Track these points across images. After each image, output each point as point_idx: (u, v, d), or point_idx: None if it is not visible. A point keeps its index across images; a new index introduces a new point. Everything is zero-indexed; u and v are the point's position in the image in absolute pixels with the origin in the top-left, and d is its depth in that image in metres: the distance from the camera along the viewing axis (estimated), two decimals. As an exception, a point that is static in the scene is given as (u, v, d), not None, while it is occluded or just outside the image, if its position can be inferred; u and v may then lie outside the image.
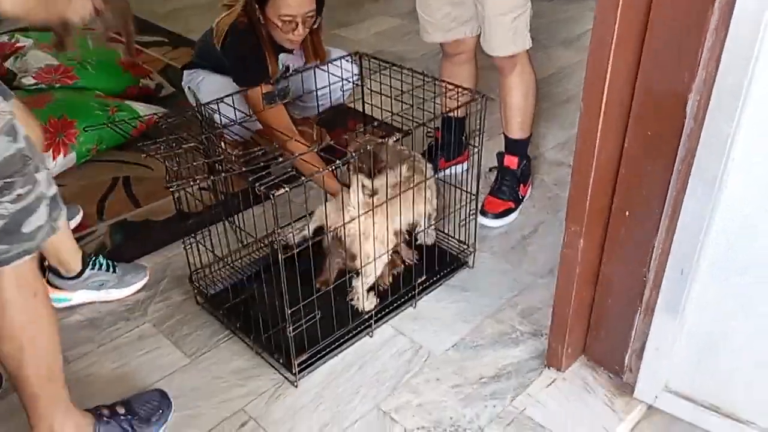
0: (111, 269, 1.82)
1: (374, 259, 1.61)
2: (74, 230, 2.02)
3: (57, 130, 2.34)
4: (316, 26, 2.17)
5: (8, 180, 0.99)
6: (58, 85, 2.62)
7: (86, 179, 2.35)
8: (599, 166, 1.28)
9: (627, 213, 1.35)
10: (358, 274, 1.65)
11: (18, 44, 2.83)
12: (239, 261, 1.82)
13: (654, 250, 1.34)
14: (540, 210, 2.16)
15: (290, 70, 2.31)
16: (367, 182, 1.60)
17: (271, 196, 1.29)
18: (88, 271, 1.78)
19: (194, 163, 1.41)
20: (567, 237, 1.39)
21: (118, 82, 2.79)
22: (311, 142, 2.57)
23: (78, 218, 2.10)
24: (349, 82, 2.03)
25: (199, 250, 1.71)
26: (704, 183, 1.20)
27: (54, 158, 2.30)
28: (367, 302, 1.68)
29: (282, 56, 2.26)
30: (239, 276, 1.80)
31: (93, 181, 2.35)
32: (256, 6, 2.06)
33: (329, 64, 1.89)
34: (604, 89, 1.19)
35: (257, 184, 1.29)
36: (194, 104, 2.24)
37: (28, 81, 2.59)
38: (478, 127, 1.72)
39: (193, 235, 1.68)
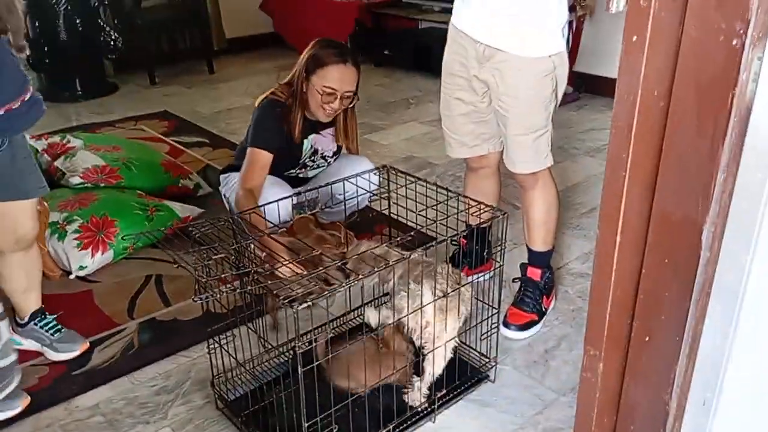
0: (51, 331, 1.98)
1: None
2: (102, 329, 2.08)
3: (98, 229, 2.45)
4: (351, 105, 2.31)
5: None
6: (102, 185, 2.76)
7: (120, 276, 2.44)
8: (617, 290, 1.29)
9: (647, 338, 1.34)
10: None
11: (69, 145, 3.01)
12: (261, 366, 1.84)
13: (675, 378, 1.32)
14: (563, 323, 2.15)
15: (318, 153, 2.40)
16: (441, 283, 1.65)
17: (294, 310, 1.32)
18: (31, 324, 1.98)
19: (223, 275, 1.46)
20: (586, 360, 1.38)
21: (158, 181, 2.93)
22: (339, 246, 2.64)
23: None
24: (374, 194, 2.10)
25: (222, 354, 1.73)
26: (723, 312, 1.19)
27: (93, 255, 2.40)
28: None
29: (312, 137, 2.35)
30: (261, 381, 1.81)
31: (126, 278, 2.42)
32: (305, 74, 2.21)
33: (358, 177, 1.97)
34: (619, 218, 1.22)
35: (280, 298, 1.33)
36: (229, 210, 2.34)
37: (75, 180, 2.73)
38: (498, 240, 1.76)
39: (216, 339, 1.71)
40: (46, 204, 2.37)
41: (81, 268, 2.38)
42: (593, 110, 4.13)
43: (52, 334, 1.99)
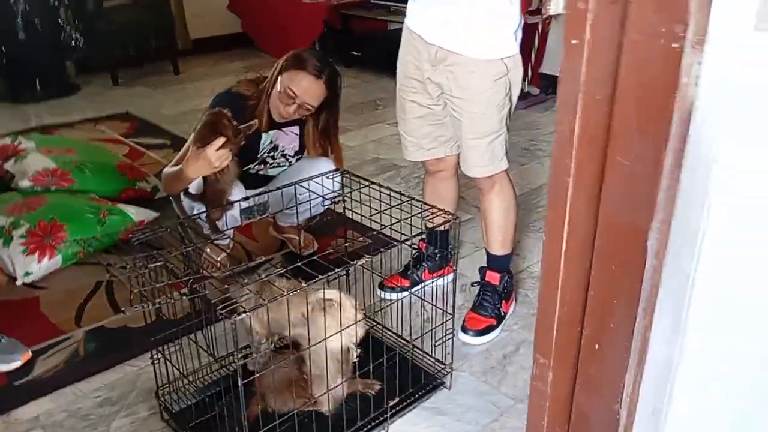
0: None
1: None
2: (47, 337, 2.00)
3: (45, 234, 2.37)
4: (321, 124, 2.28)
5: None
6: (53, 188, 2.68)
7: (69, 282, 2.35)
8: (564, 298, 1.26)
9: (597, 347, 1.31)
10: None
11: (20, 147, 2.91)
12: (208, 376, 1.78)
13: (625, 387, 1.29)
14: (523, 328, 2.12)
15: (278, 150, 2.35)
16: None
17: (233, 322, 1.27)
18: None
19: (156, 285, 1.40)
20: (536, 369, 1.35)
21: (114, 184, 2.85)
22: (298, 249, 2.59)
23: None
24: (329, 200, 2.06)
25: (167, 365, 1.67)
26: (670, 320, 1.17)
27: (39, 261, 2.32)
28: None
29: (273, 133, 2.30)
30: (207, 392, 1.76)
31: (76, 284, 2.34)
32: (280, 69, 2.19)
33: (310, 182, 1.92)
34: (564, 224, 1.19)
35: (219, 308, 1.28)
36: (178, 213, 2.27)
37: (25, 184, 2.65)
38: (451, 243, 1.72)
39: (160, 349, 1.65)
40: (-10, 208, 2.28)
41: (27, 274, 2.30)
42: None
43: None
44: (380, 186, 1.83)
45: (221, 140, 1.97)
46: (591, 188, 1.22)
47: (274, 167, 2.40)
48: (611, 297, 1.29)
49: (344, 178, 1.99)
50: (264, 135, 2.29)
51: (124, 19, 5.02)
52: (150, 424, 1.74)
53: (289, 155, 2.40)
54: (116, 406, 1.80)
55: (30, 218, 2.41)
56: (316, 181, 1.93)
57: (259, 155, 2.33)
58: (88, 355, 1.99)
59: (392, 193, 1.80)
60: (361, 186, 1.86)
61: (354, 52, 5.23)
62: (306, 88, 2.16)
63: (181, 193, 2.16)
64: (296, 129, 2.36)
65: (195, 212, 2.06)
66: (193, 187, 2.12)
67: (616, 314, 1.29)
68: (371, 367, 1.68)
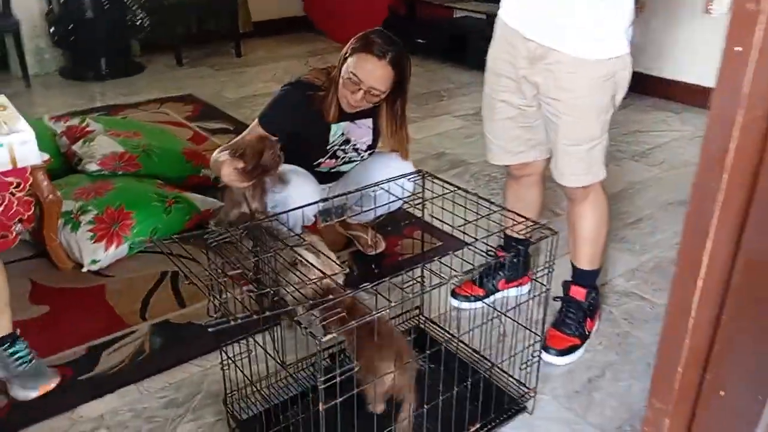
0: (18, 362, 1.74)
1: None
2: (112, 329, 1.96)
3: (113, 221, 2.33)
4: (395, 112, 2.15)
5: None
6: (120, 173, 2.64)
7: (134, 272, 2.31)
8: (692, 339, 1.12)
9: (722, 393, 1.17)
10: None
11: (88, 128, 2.89)
12: (278, 383, 1.70)
13: (753, 440, 1.15)
14: (608, 348, 1.98)
15: (350, 144, 2.24)
16: None
17: (318, 342, 1.17)
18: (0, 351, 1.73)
19: (239, 297, 1.31)
20: (650, 414, 1.21)
21: (179, 170, 2.80)
22: (366, 248, 2.49)
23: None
24: (407, 202, 1.93)
25: (236, 370, 1.59)
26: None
27: (106, 249, 2.28)
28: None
29: (344, 125, 2.20)
30: (276, 400, 1.67)
31: (141, 274, 2.30)
32: (347, 54, 2.07)
33: (391, 183, 1.79)
34: (703, 259, 1.05)
35: (301, 326, 1.18)
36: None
37: (92, 167, 2.61)
38: (546, 260, 1.59)
39: (227, 351, 1.56)
40: (58, 193, 2.24)
41: (93, 262, 2.26)
42: (639, 111, 3.91)
43: (17, 366, 1.73)
44: (466, 191, 1.70)
45: (235, 166, 1.94)
46: (737, 219, 1.07)
47: (346, 162, 2.30)
48: (744, 340, 1.14)
49: (423, 180, 1.86)
50: (334, 126, 2.19)
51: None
52: (216, 431, 1.67)
53: (361, 149, 2.28)
54: (182, 408, 1.74)
55: (98, 204, 2.37)
56: (395, 183, 1.81)
57: (329, 147, 2.22)
58: (153, 351, 1.94)
59: (480, 201, 1.67)
60: (445, 192, 1.72)
61: (418, 40, 5.07)
62: (369, 71, 2.02)
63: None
64: (369, 122, 2.24)
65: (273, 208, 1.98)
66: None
67: (747, 359, 1.14)
68: (450, 389, 1.57)
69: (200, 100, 4.13)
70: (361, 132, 2.25)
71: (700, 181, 1.04)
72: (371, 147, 2.30)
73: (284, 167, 2.16)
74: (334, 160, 2.26)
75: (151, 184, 2.59)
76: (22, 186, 2.08)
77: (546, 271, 1.57)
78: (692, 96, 3.93)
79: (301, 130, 2.15)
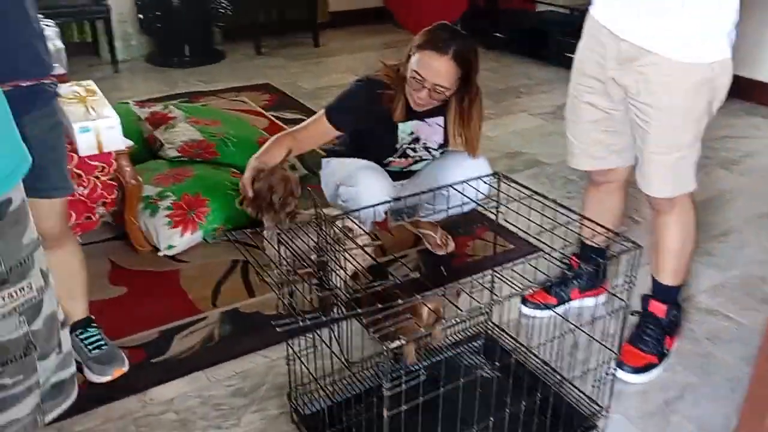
0: (91, 346, 1.79)
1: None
2: (185, 314, 2.01)
3: (189, 207, 2.39)
4: (463, 108, 2.09)
5: None
6: (198, 160, 2.70)
7: (207, 258, 2.36)
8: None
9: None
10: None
11: (170, 115, 2.97)
12: (341, 381, 1.69)
13: None
14: (687, 369, 1.87)
15: (420, 142, 2.20)
16: None
17: (385, 348, 1.15)
18: (73, 335, 1.76)
19: (308, 297, 1.31)
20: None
21: (254, 160, 2.83)
22: (434, 246, 2.45)
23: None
24: (480, 203, 1.85)
25: (301, 367, 1.60)
26: None
27: (182, 235, 2.34)
28: None
29: (412, 124, 2.16)
30: (340, 397, 1.67)
31: (212, 261, 2.35)
32: (411, 51, 2.04)
33: (464, 184, 1.74)
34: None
35: (371, 330, 1.16)
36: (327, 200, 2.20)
37: (172, 153, 2.69)
38: (626, 274, 1.50)
39: (296, 353, 1.57)
40: (140, 178, 2.31)
41: (169, 247, 2.32)
42: (729, 115, 3.68)
43: (90, 351, 1.79)
44: (544, 197, 1.63)
45: (245, 193, 1.98)
46: None
47: (417, 162, 2.26)
48: None
49: (499, 182, 1.80)
50: (402, 125, 2.15)
51: (269, -12, 5.07)
52: (279, 424, 1.68)
53: (432, 148, 2.24)
54: (247, 398, 1.76)
55: (176, 190, 2.44)
56: (469, 184, 1.76)
57: (398, 147, 2.19)
58: (222, 339, 1.97)
59: (558, 207, 1.60)
60: (521, 197, 1.66)
61: (497, 34, 4.96)
62: (431, 68, 1.97)
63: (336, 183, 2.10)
64: (440, 120, 2.19)
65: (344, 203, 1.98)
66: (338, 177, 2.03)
67: None
68: (517, 402, 1.52)
69: (277, 90, 4.19)
70: (432, 131, 2.20)
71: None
72: (443, 146, 2.25)
73: (357, 162, 2.15)
74: (404, 160, 2.23)
75: (226, 173, 2.64)
76: (106, 170, 2.16)
77: (626, 286, 1.49)
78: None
79: (368, 128, 2.13)
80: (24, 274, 0.85)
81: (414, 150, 2.22)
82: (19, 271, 0.84)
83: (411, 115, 2.14)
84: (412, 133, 2.18)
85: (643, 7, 1.56)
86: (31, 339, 0.89)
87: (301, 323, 1.26)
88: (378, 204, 1.69)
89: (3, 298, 0.82)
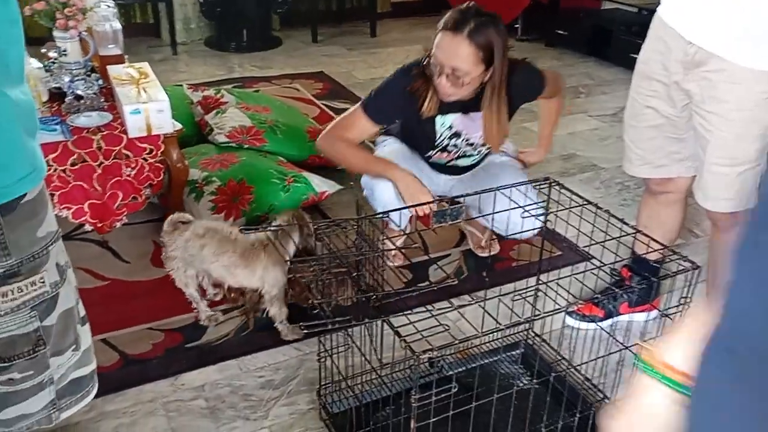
0: None
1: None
2: (222, 300, 2.01)
3: (234, 194, 2.38)
4: (489, 98, 1.94)
5: (4, 364, 0.85)
6: (246, 146, 2.70)
7: (249, 246, 2.36)
8: None
9: None
10: None
11: (222, 99, 2.98)
12: (371, 381, 1.66)
13: None
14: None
15: (461, 137, 2.09)
16: None
17: (415, 357, 1.10)
18: None
19: (341, 298, 1.27)
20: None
21: (301, 150, 2.81)
22: (477, 247, 2.38)
23: None
24: (532, 215, 1.62)
25: (332, 363, 1.57)
26: None
27: (225, 220, 2.34)
28: None
29: (450, 117, 2.03)
30: (369, 398, 1.64)
31: (254, 249, 2.34)
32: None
33: (512, 190, 1.65)
34: None
35: (401, 338, 1.12)
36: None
37: (221, 138, 2.69)
38: (682, 295, 1.41)
39: (328, 350, 1.54)
40: (186, 162, 2.32)
41: (212, 232, 2.33)
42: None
43: None
44: (597, 207, 1.55)
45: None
46: None
47: (462, 157, 2.17)
48: None
49: (550, 189, 1.72)
50: (439, 118, 2.02)
51: (330, -23, 5.05)
52: (308, 420, 1.66)
53: (477, 143, 2.11)
54: (277, 391, 1.74)
55: (221, 176, 2.44)
56: (519, 190, 1.69)
57: (437, 141, 2.09)
58: (256, 329, 1.96)
59: (611, 218, 1.52)
60: (572, 206, 1.58)
61: (559, 31, 4.81)
62: (444, 48, 1.82)
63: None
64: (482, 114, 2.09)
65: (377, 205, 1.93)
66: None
67: None
68: (554, 419, 1.45)
69: (330, 79, 4.17)
70: (475, 125, 2.06)
71: None
72: None
73: (397, 155, 2.08)
74: (445, 154, 2.13)
75: (272, 161, 2.63)
76: (154, 152, 2.17)
77: (680, 307, 1.40)
78: None
79: (406, 120, 2.04)
80: (37, 268, 0.83)
81: (455, 146, 2.11)
82: (31, 264, 0.82)
83: (450, 108, 2.01)
84: (451, 126, 2.06)
85: (715, 10, 1.45)
86: (42, 335, 0.87)
87: (329, 326, 1.23)
88: (416, 205, 1.64)
89: (12, 291, 0.81)
